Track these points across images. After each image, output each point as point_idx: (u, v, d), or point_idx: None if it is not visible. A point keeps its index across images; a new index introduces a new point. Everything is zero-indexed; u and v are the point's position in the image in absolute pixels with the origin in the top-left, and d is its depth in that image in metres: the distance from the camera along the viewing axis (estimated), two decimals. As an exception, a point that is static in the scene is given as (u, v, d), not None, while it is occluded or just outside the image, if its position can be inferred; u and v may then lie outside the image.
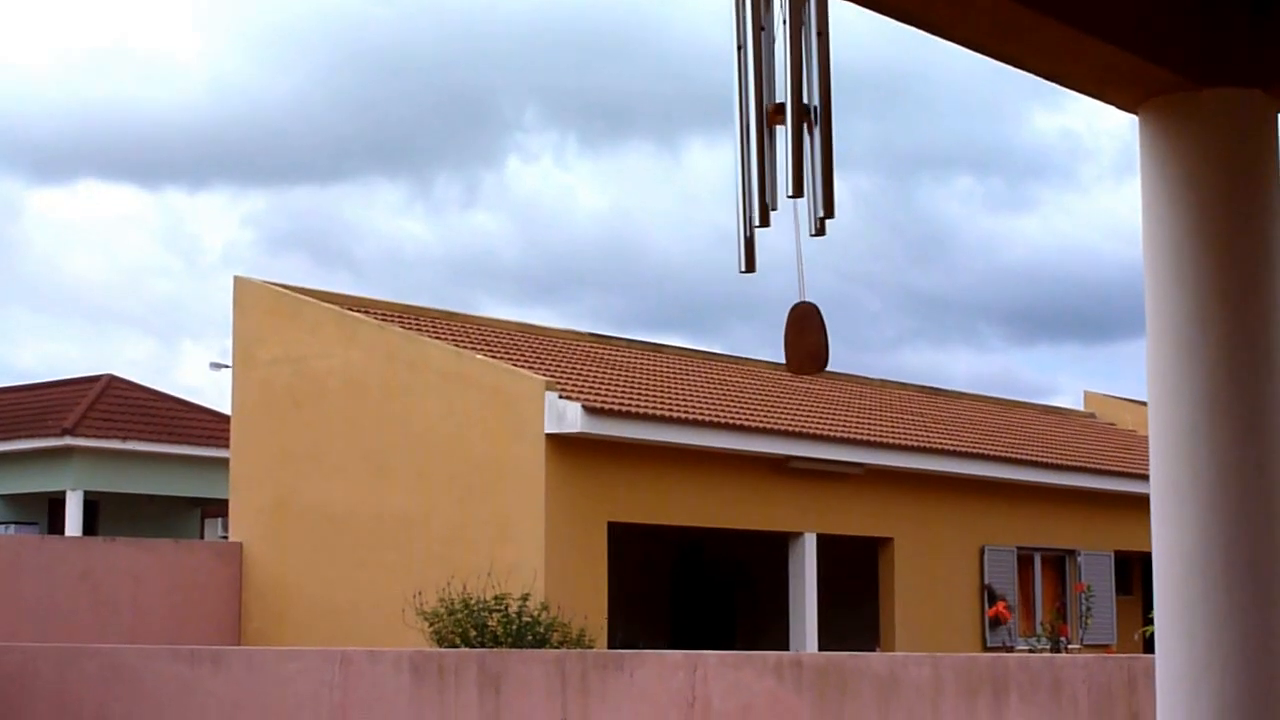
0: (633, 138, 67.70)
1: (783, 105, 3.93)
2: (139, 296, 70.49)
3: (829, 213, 3.90)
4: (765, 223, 3.96)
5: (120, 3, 59.19)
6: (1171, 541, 4.78)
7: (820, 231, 3.93)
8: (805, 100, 3.92)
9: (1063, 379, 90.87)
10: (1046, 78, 4.66)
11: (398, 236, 69.71)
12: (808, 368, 4.15)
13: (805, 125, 3.91)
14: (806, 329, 4.09)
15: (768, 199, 3.96)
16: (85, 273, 70.03)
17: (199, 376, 74.20)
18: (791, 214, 3.99)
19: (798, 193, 3.88)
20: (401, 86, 59.47)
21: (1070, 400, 39.52)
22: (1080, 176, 67.16)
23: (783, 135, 3.94)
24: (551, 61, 58.75)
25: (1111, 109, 4.96)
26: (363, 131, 62.85)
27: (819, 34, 3.93)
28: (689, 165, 60.91)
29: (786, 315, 4.10)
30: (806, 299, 4.11)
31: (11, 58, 56.40)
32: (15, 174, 67.74)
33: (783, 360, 4.27)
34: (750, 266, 4.02)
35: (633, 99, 59.61)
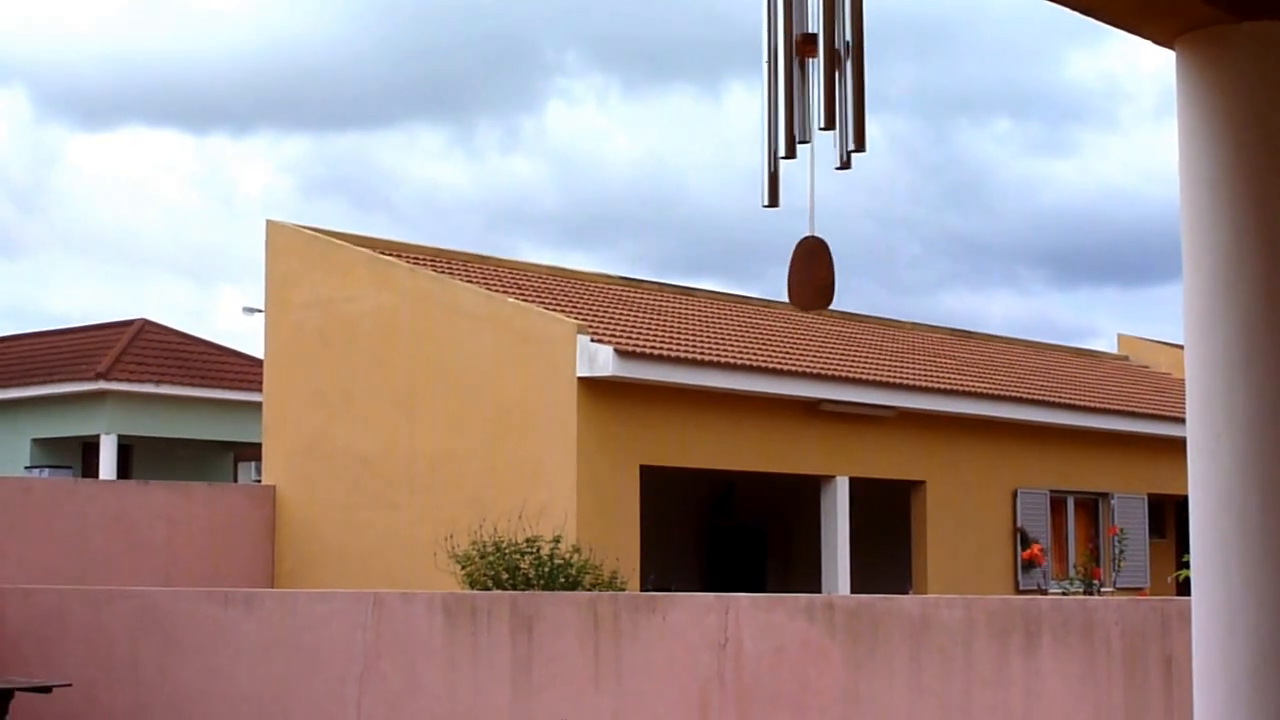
0: (674, 81, 67.58)
1: (812, 36, 3.86)
2: (178, 241, 70.73)
3: (859, 146, 3.84)
4: (792, 154, 3.90)
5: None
6: (1207, 479, 4.74)
7: (847, 164, 3.87)
8: (837, 33, 3.86)
9: (1102, 322, 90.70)
10: (1081, 11, 4.58)
11: (436, 182, 69.79)
12: (814, 303, 4.08)
13: (837, 57, 3.84)
14: (814, 264, 4.02)
15: (797, 131, 3.90)
16: (124, 218, 70.29)
17: (236, 320, 74.46)
18: (822, 151, 3.92)
19: (830, 124, 3.82)
20: (447, 32, 59.42)
21: (1108, 344, 39.39)
22: (1120, 119, 66.77)
23: (814, 68, 3.88)
24: (595, 5, 58.58)
25: (1150, 49, 4.88)
26: (407, 78, 62.89)
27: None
28: (729, 109, 60.77)
29: (793, 249, 4.02)
30: (815, 234, 4.03)
31: (57, 7, 56.51)
32: (59, 121, 67.97)
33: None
34: (774, 200, 3.95)
35: (675, 43, 59.50)
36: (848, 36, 3.86)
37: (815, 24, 3.88)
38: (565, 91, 65.94)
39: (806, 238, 4.02)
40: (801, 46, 3.89)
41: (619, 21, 58.92)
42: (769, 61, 3.93)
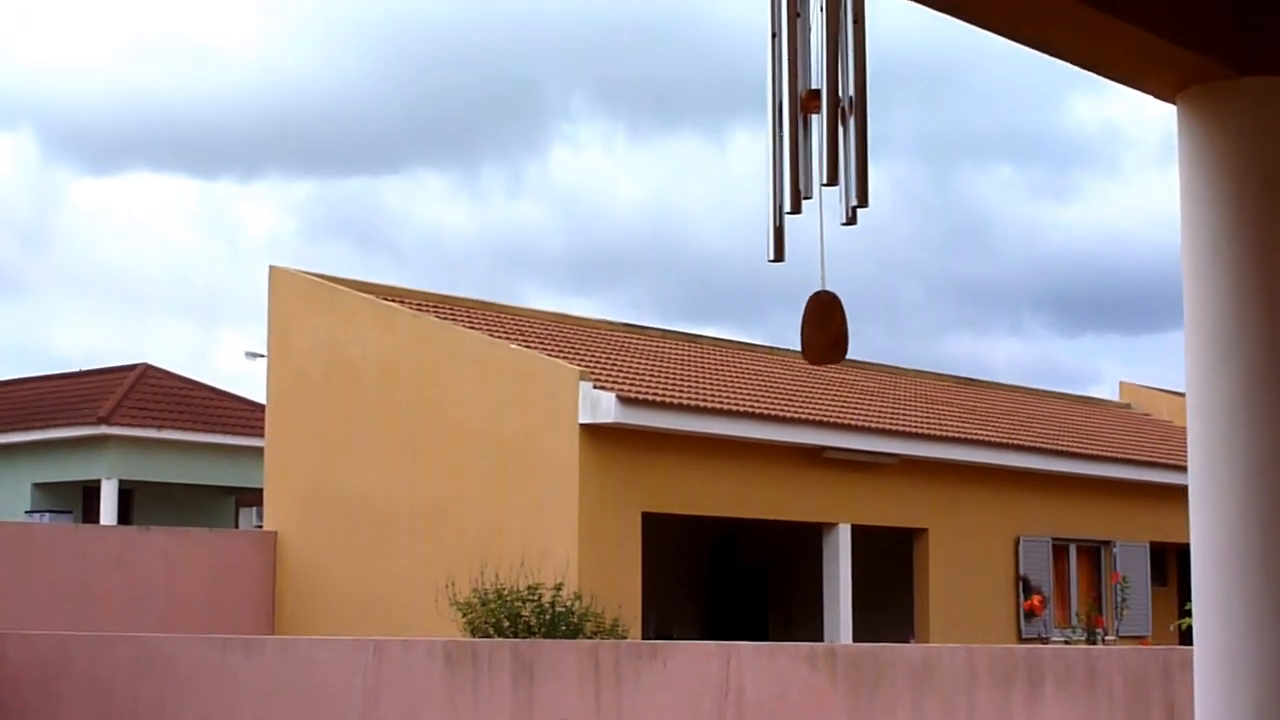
0: (679, 126, 67.78)
1: (816, 92, 3.89)
2: (182, 284, 70.83)
3: (863, 201, 3.87)
4: (797, 210, 3.92)
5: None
6: (1209, 529, 4.75)
7: (852, 220, 3.89)
8: (840, 88, 3.88)
9: (1106, 368, 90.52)
10: (1081, 65, 4.62)
11: (441, 225, 69.95)
12: (828, 358, 4.09)
13: (840, 112, 3.87)
14: (828, 318, 4.04)
15: (801, 187, 3.92)
16: (129, 261, 70.42)
17: (239, 364, 74.56)
18: (827, 202, 3.95)
19: (833, 180, 3.84)
20: (453, 77, 59.68)
21: (1111, 390, 39.39)
22: (1122, 165, 66.88)
23: (817, 123, 3.90)
24: (600, 51, 58.84)
25: (1152, 98, 4.92)
26: (413, 121, 63.11)
27: (855, 20, 3.89)
28: (734, 154, 60.92)
29: (805, 304, 4.04)
30: (827, 289, 4.06)
31: (67, 50, 56.79)
32: (65, 163, 68.22)
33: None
34: (779, 255, 3.98)
35: (681, 88, 59.68)
36: (851, 91, 3.89)
37: (819, 79, 3.91)
38: (570, 136, 66.20)
39: (818, 292, 4.04)
40: (806, 102, 3.92)
41: (624, 66, 59.12)
42: (773, 116, 3.95)
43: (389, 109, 61.33)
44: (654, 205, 67.70)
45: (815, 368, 27.83)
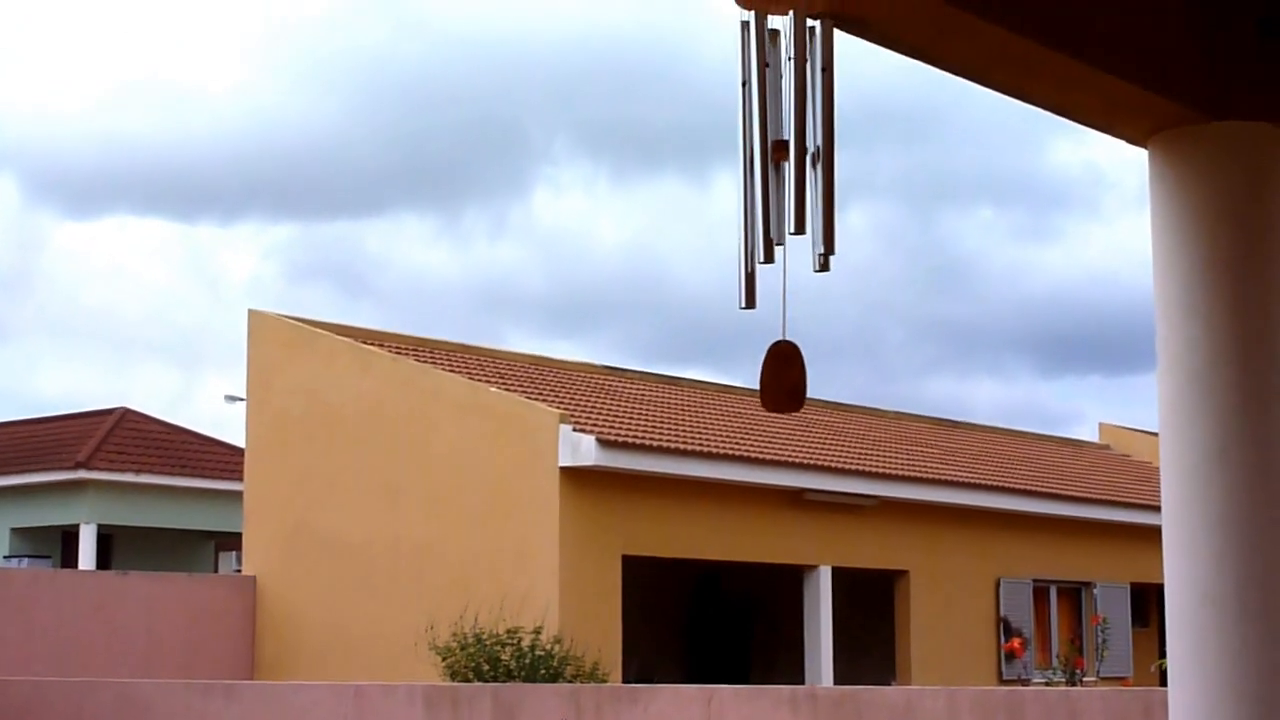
0: (662, 169, 67.81)
1: (785, 142, 3.91)
2: (163, 328, 70.73)
3: (829, 249, 3.88)
4: (770, 259, 3.93)
5: (155, 37, 59.51)
6: (1184, 574, 4.75)
7: (825, 267, 3.90)
8: (809, 136, 3.90)
9: (1088, 409, 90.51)
10: (1053, 111, 4.65)
11: (423, 268, 69.89)
12: (785, 406, 4.11)
13: (808, 161, 3.88)
14: (787, 368, 4.06)
15: (773, 234, 3.93)
16: (111, 305, 70.30)
17: (220, 408, 74.33)
18: (806, 247, 3.96)
19: (799, 229, 3.85)
20: (435, 120, 59.67)
21: (1092, 431, 39.40)
22: (1103, 207, 67.04)
23: (786, 172, 3.91)
24: (582, 94, 58.90)
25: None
26: (395, 164, 63.08)
27: (824, 69, 3.91)
28: (716, 197, 60.99)
29: (765, 353, 4.06)
30: (788, 339, 4.07)
31: (47, 94, 56.82)
32: (47, 208, 68.17)
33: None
34: (750, 303, 3.99)
35: (662, 131, 59.73)
36: (818, 141, 3.90)
37: (788, 127, 3.93)
38: (553, 179, 66.27)
39: (778, 341, 4.06)
40: (775, 151, 3.94)
41: (607, 110, 59.23)
42: (745, 164, 3.97)
43: (371, 152, 61.39)
44: (636, 248, 67.77)
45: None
